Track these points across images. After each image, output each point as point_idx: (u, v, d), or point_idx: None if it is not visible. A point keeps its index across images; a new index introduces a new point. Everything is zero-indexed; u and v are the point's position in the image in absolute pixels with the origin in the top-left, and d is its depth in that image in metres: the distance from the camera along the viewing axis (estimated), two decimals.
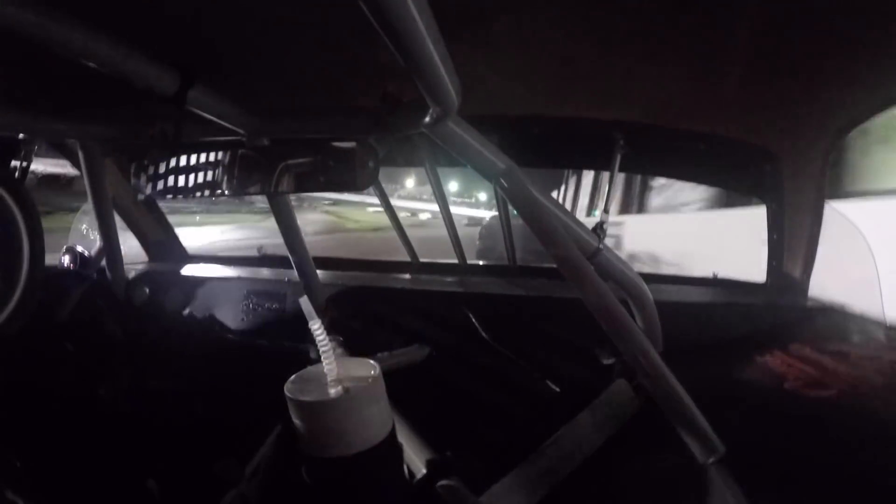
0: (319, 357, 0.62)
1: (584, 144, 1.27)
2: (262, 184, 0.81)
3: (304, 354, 1.28)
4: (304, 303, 0.65)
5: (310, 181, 0.78)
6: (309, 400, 0.59)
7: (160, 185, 0.88)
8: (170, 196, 0.87)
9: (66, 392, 1.00)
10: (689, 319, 1.14)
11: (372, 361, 0.67)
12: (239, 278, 1.62)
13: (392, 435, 0.64)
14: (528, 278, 1.57)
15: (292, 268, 1.28)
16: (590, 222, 0.97)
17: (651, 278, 1.27)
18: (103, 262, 1.41)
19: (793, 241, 1.25)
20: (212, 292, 1.59)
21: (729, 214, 2.82)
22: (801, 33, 0.69)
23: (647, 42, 0.72)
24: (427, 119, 0.67)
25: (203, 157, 0.84)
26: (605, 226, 0.96)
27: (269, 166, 0.79)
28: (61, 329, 1.11)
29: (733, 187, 1.46)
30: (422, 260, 1.71)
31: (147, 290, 1.58)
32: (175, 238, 1.91)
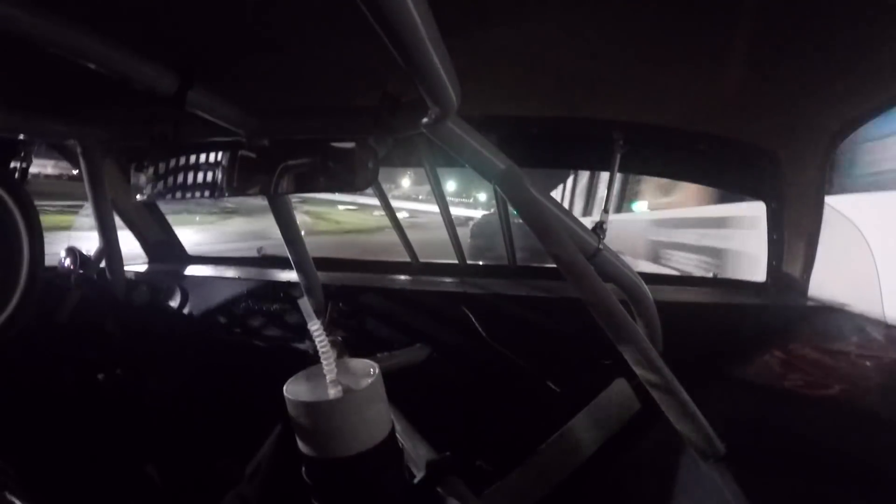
0: (319, 357, 0.62)
1: (583, 144, 1.27)
2: (261, 184, 0.80)
3: (304, 355, 1.28)
4: (304, 303, 0.65)
5: (309, 182, 0.78)
6: (308, 400, 0.59)
7: (160, 185, 0.88)
8: (169, 197, 0.87)
9: (66, 393, 1.00)
10: (689, 319, 1.14)
11: (372, 362, 0.67)
12: (238, 279, 1.62)
13: (392, 435, 0.64)
14: (528, 278, 1.57)
15: (292, 268, 1.28)
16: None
17: (651, 278, 1.27)
18: (103, 263, 1.41)
19: (793, 241, 1.25)
20: (211, 293, 1.59)
21: None
22: (800, 34, 0.69)
23: (646, 42, 0.72)
24: (426, 119, 0.67)
25: (203, 158, 0.84)
26: (604, 226, 0.96)
27: (268, 167, 0.79)
28: (61, 330, 1.11)
29: (733, 187, 1.46)
30: (422, 260, 1.71)
31: (147, 291, 1.58)
32: (175, 238, 1.91)
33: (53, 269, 1.31)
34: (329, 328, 1.35)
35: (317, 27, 0.65)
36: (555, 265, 0.79)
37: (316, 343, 0.61)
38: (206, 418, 1.11)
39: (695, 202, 3.42)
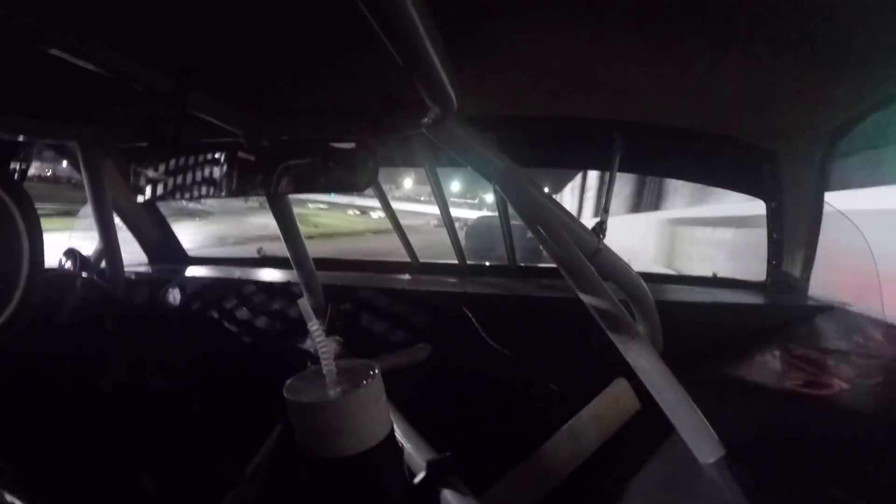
0: (319, 357, 0.62)
1: (583, 144, 1.27)
2: (262, 185, 0.81)
3: (304, 354, 1.28)
4: (303, 304, 0.65)
5: (309, 182, 0.78)
6: (308, 401, 0.59)
7: (160, 186, 0.88)
8: (170, 198, 0.87)
9: (65, 393, 1.00)
10: (689, 319, 1.14)
11: (372, 362, 0.67)
12: (238, 279, 1.62)
13: (392, 435, 0.64)
14: (528, 278, 1.57)
15: (292, 268, 1.28)
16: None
17: (651, 278, 1.27)
18: (103, 264, 1.41)
19: (793, 241, 1.25)
20: (211, 293, 1.59)
21: None
22: (799, 33, 0.69)
23: (646, 42, 0.72)
24: (426, 119, 0.67)
25: (203, 159, 0.84)
26: (604, 226, 0.96)
27: (269, 167, 0.79)
28: (61, 330, 1.11)
29: (733, 187, 1.46)
30: (422, 260, 1.71)
31: (147, 291, 1.58)
32: (174, 239, 1.91)
33: (53, 269, 1.31)
34: (329, 328, 1.35)
35: (317, 28, 0.65)
36: (555, 265, 0.79)
37: (316, 343, 0.61)
38: (206, 418, 1.11)
39: None
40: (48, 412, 0.93)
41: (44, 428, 0.90)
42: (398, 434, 0.68)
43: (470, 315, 1.32)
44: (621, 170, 1.17)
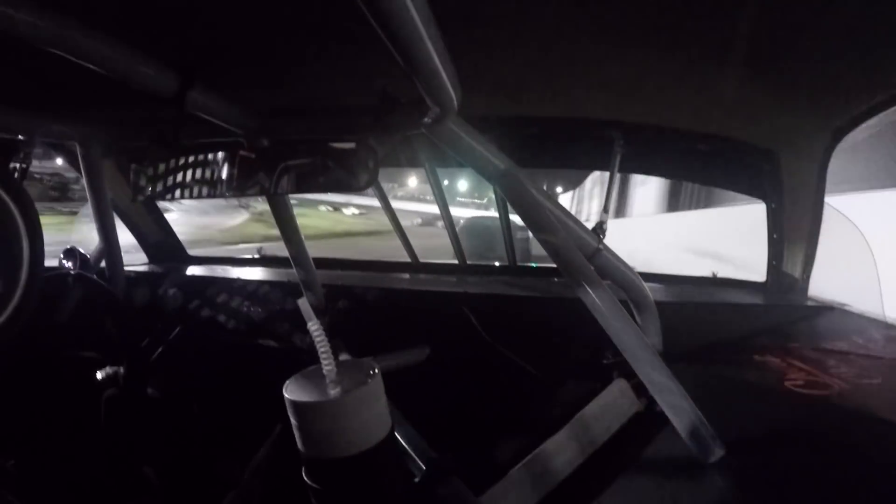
0: (319, 357, 0.62)
1: (583, 144, 1.27)
2: (261, 184, 0.80)
3: (304, 354, 1.28)
4: (303, 304, 0.65)
5: (309, 182, 0.78)
6: (307, 401, 0.59)
7: (160, 186, 0.88)
8: (169, 197, 0.87)
9: (65, 393, 1.00)
10: (689, 319, 1.14)
11: (372, 362, 0.67)
12: (238, 279, 1.62)
13: (392, 435, 0.64)
14: (528, 278, 1.57)
15: (292, 268, 1.28)
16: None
17: (651, 278, 1.27)
18: (103, 263, 1.41)
19: (793, 241, 1.25)
20: (211, 293, 1.58)
21: None
22: (799, 34, 0.69)
23: (647, 42, 0.72)
24: (427, 119, 0.67)
25: (203, 158, 0.84)
26: (604, 226, 0.96)
27: (268, 167, 0.79)
28: (61, 330, 1.11)
29: (733, 187, 1.46)
30: (422, 260, 1.71)
31: (147, 291, 1.58)
32: (174, 239, 1.91)
33: (54, 269, 1.31)
34: (329, 328, 1.35)
35: (317, 28, 0.65)
36: (555, 265, 0.79)
37: (315, 343, 0.61)
38: (206, 418, 1.11)
39: None
40: (48, 411, 0.93)
41: (44, 427, 0.90)
42: (398, 434, 0.68)
43: (470, 315, 1.32)
44: (622, 170, 1.17)
